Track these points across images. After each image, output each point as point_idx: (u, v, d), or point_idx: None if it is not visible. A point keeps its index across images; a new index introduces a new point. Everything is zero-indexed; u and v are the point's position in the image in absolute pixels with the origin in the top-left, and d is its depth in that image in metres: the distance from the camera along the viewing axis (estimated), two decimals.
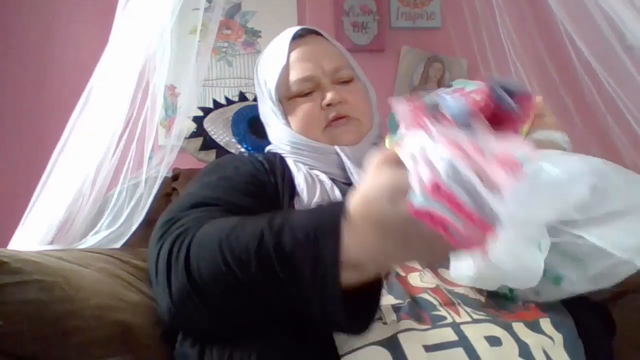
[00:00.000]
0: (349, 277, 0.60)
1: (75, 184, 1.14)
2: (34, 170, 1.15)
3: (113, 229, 1.17)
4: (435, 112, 0.56)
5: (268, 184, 0.96)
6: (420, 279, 0.81)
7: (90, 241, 1.14)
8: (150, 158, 1.32)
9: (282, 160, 1.06)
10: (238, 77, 1.92)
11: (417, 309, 0.74)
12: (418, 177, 0.51)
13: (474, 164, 0.49)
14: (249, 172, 0.95)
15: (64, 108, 1.19)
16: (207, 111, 1.65)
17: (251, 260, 0.63)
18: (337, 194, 0.98)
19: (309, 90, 1.08)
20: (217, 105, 1.68)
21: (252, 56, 1.94)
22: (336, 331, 0.66)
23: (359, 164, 1.01)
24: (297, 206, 0.94)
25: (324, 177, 1.01)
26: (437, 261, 0.78)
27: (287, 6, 1.96)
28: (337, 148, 1.05)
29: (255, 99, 1.76)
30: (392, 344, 0.67)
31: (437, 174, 0.49)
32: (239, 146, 1.55)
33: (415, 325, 0.70)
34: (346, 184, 1.01)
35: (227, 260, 0.65)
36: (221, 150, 1.55)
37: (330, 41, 1.17)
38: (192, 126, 1.60)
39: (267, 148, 1.19)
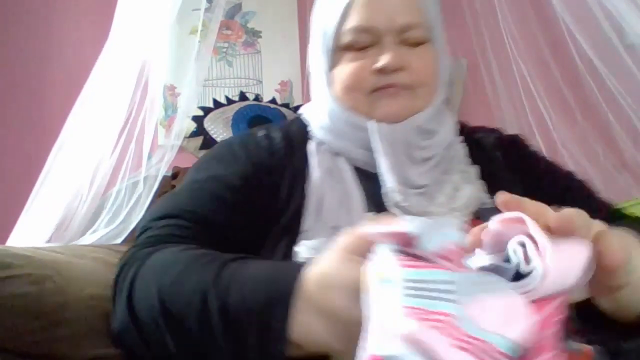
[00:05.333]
0: (290, 350, 0.55)
1: (74, 183, 1.14)
2: (32, 169, 1.16)
3: (111, 227, 1.17)
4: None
5: (266, 186, 0.82)
6: None
7: (87, 239, 1.14)
8: (149, 157, 1.32)
9: (305, 139, 0.89)
10: (238, 77, 1.92)
11: None
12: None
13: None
14: (243, 173, 0.81)
15: (63, 107, 1.19)
16: (207, 111, 1.65)
17: (192, 320, 0.59)
18: (357, 198, 0.81)
19: (365, 44, 0.85)
20: (217, 104, 1.69)
21: (253, 56, 1.94)
22: None
23: (394, 148, 0.83)
24: (307, 207, 0.80)
25: (347, 171, 0.84)
26: None
27: (287, 6, 1.95)
28: (369, 123, 0.84)
29: (256, 99, 1.77)
30: None
31: None
32: None
33: None
34: (371, 174, 0.84)
35: (167, 314, 0.61)
36: None
37: None
38: (192, 125, 1.60)
39: (302, 110, 0.96)
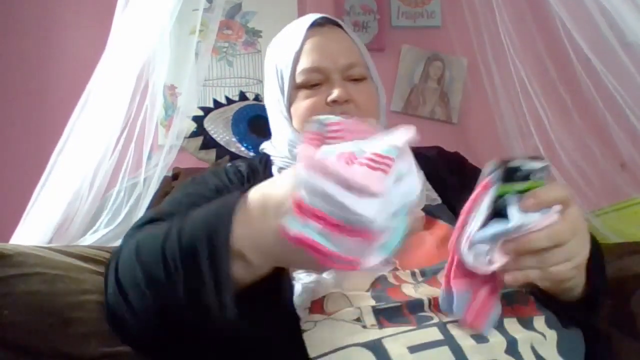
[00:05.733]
0: (238, 269, 0.62)
1: (74, 184, 1.14)
2: (33, 170, 1.16)
3: (111, 228, 1.18)
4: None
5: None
6: (414, 290, 0.77)
7: (88, 240, 1.15)
8: (149, 158, 1.33)
9: (267, 165, 1.04)
10: (238, 77, 1.92)
11: (401, 311, 0.73)
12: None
13: (335, 175, 0.51)
14: (215, 187, 0.94)
15: (64, 108, 1.19)
16: (207, 111, 1.66)
17: (158, 255, 0.66)
18: None
19: (316, 82, 1.02)
20: (217, 104, 1.70)
21: (253, 56, 1.95)
22: (231, 327, 0.66)
23: None
24: None
25: None
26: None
27: (288, 6, 1.95)
28: None
29: (256, 98, 1.77)
30: (375, 346, 0.67)
31: (297, 192, 0.52)
32: (239, 145, 1.56)
33: (399, 329, 0.70)
34: None
35: (141, 260, 0.68)
36: (221, 150, 1.56)
37: (350, 36, 1.09)
38: (192, 126, 1.61)
39: (262, 146, 1.12)
